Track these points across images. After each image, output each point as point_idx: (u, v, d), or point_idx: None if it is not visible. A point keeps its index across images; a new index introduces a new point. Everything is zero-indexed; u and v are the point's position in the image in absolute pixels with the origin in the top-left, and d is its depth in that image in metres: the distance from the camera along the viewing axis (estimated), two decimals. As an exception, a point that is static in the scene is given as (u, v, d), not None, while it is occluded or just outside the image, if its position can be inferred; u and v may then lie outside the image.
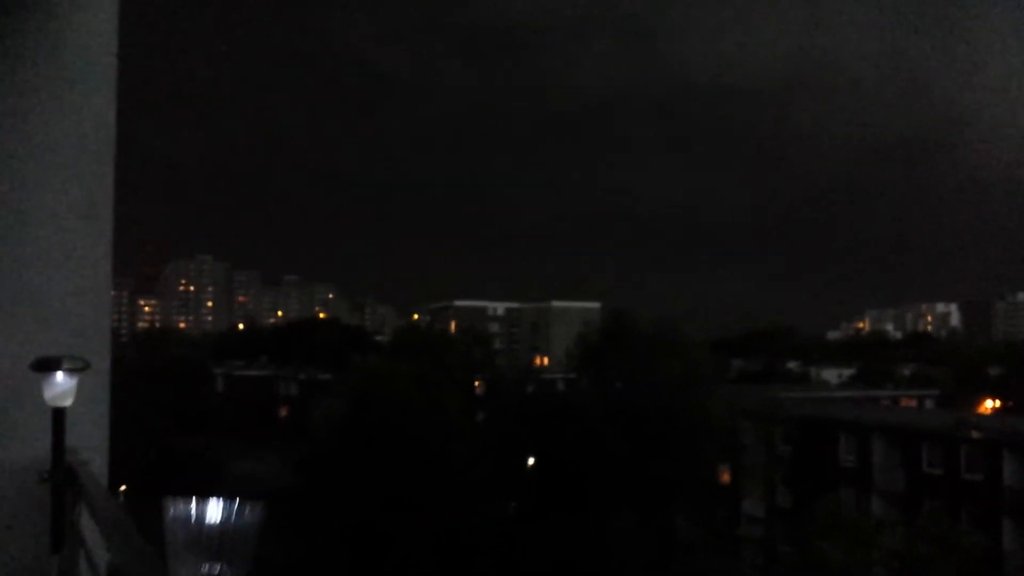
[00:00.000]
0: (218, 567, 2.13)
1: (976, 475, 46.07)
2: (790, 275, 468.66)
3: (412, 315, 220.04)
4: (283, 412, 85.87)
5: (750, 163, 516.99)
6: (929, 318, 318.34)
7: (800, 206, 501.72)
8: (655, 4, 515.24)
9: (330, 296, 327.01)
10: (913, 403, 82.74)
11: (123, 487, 45.39)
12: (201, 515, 2.15)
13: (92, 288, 5.53)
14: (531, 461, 58.59)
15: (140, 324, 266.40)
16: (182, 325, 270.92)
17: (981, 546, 35.70)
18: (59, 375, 4.48)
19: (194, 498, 2.15)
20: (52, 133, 5.45)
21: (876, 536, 36.21)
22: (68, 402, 4.51)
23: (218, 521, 2.15)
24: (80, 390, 4.59)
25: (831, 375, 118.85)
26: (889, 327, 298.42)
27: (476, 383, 73.73)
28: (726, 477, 57.77)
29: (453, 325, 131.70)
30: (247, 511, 2.19)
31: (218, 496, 2.15)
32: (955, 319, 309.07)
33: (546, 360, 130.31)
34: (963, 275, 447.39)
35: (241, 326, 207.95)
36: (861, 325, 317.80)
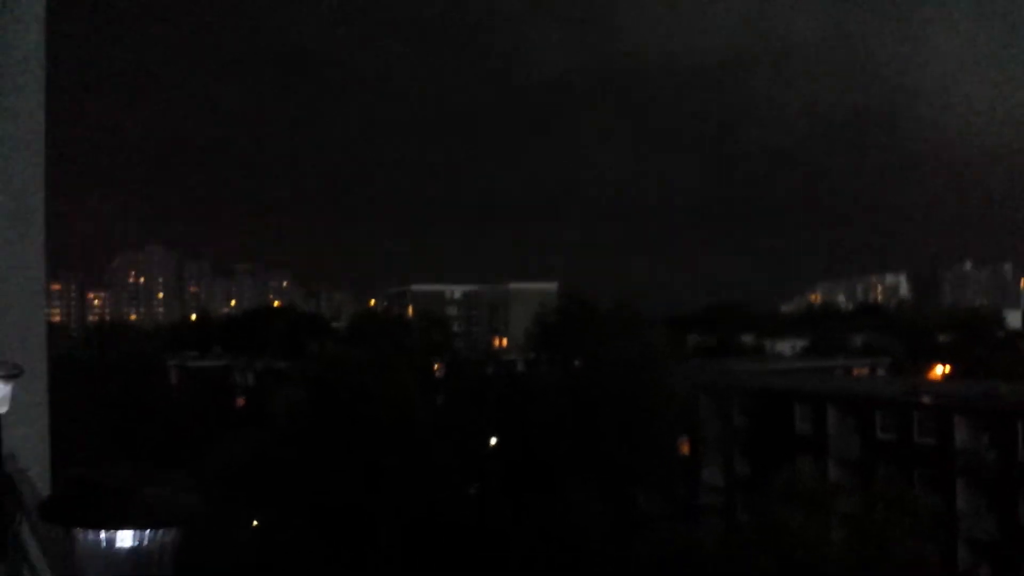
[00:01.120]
0: None
1: (928, 439, 47.09)
2: (743, 250, 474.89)
3: (369, 301, 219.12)
4: (240, 402, 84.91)
5: (701, 140, 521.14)
6: (880, 288, 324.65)
7: (751, 182, 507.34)
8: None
9: (284, 284, 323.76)
10: (865, 372, 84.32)
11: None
12: (113, 544, 2.02)
13: (24, 291, 5.37)
14: (492, 442, 58.72)
15: (90, 318, 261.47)
16: (133, 317, 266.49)
17: (935, 508, 36.54)
18: (-9, 382, 4.31)
19: (104, 527, 2.02)
20: None
21: (833, 501, 36.84)
22: (2, 409, 4.37)
23: (130, 547, 2.03)
24: (16, 396, 4.46)
25: (785, 347, 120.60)
26: (840, 298, 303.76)
27: (435, 366, 73.61)
28: (686, 449, 58.46)
29: (411, 309, 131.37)
30: (161, 536, 2.06)
31: (131, 524, 2.02)
32: (904, 289, 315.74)
33: (505, 342, 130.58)
34: (911, 246, 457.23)
35: (194, 317, 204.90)
36: (813, 297, 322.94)
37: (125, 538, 2.04)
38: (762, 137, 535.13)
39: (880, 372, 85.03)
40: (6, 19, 5.41)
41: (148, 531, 2.05)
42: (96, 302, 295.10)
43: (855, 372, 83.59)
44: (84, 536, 2.02)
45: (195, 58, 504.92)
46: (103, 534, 2.02)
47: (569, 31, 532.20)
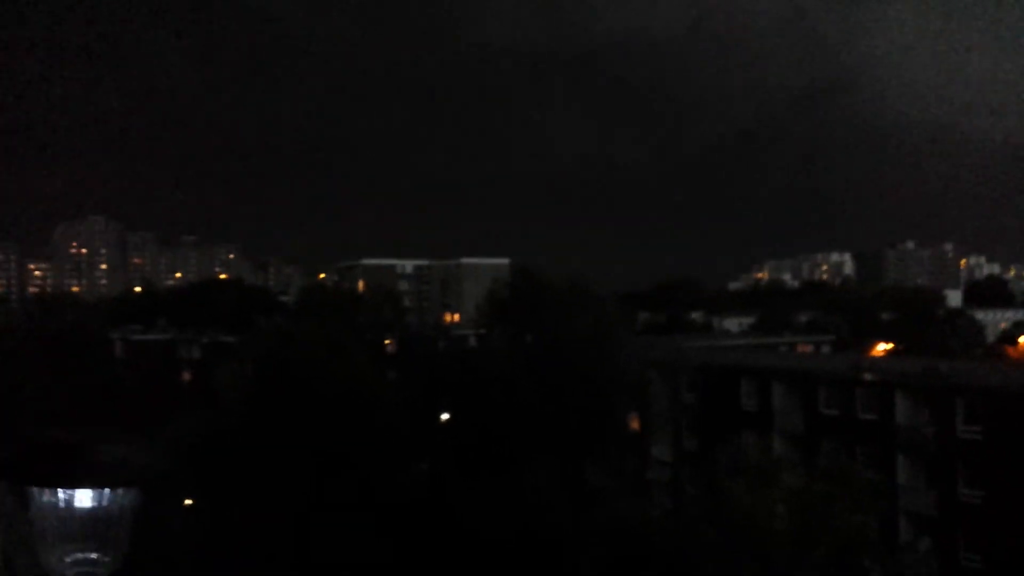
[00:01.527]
0: (91, 554, 1.89)
1: (870, 415, 48.14)
2: (692, 228, 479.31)
3: (318, 274, 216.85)
4: (186, 377, 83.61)
5: (651, 117, 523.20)
6: (825, 267, 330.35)
7: (700, 160, 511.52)
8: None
9: (231, 256, 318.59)
10: (810, 348, 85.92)
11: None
12: (70, 502, 1.90)
13: None
14: (444, 417, 58.67)
15: (31, 289, 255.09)
16: (75, 289, 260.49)
17: (876, 482, 37.37)
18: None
19: (62, 486, 1.89)
20: None
21: (777, 476, 37.45)
22: None
23: (89, 508, 1.91)
24: None
25: (732, 324, 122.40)
26: (787, 276, 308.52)
27: (387, 341, 73.26)
28: (635, 425, 59.05)
29: (361, 284, 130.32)
30: (120, 496, 1.94)
31: (89, 483, 1.89)
32: (849, 267, 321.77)
33: (457, 317, 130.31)
34: (856, 225, 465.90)
35: (138, 289, 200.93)
36: (760, 275, 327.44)
37: (84, 497, 1.93)
38: (710, 116, 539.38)
39: (824, 349, 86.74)
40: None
41: (107, 490, 1.94)
42: (37, 273, 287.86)
43: (800, 349, 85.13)
44: (41, 495, 1.92)
45: (141, 24, 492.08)
46: (61, 493, 1.92)
47: (522, 5, 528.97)
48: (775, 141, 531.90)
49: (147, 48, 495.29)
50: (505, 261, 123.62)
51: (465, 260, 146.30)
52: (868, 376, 49.95)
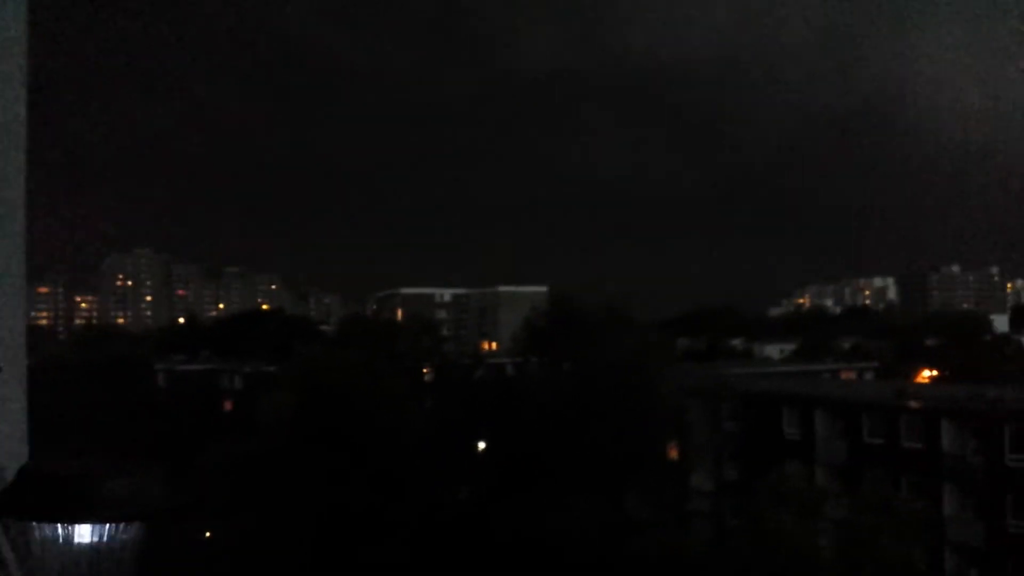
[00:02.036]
0: None
1: (916, 443, 47.14)
2: (731, 253, 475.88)
3: (358, 304, 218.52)
4: (228, 406, 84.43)
5: (689, 140, 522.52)
6: (867, 292, 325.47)
7: (738, 184, 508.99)
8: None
9: (273, 287, 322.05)
10: (853, 375, 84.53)
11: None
12: (70, 538, 1.92)
13: (3, 291, 5.26)
14: (481, 446, 58.58)
15: (77, 321, 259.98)
16: (121, 321, 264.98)
17: (922, 513, 36.56)
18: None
19: (62, 521, 1.91)
20: None
21: (821, 506, 36.82)
22: None
23: (89, 543, 1.93)
24: None
25: (773, 351, 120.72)
26: (829, 302, 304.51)
27: (424, 370, 73.32)
28: (675, 454, 58.41)
29: (400, 313, 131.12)
30: (123, 531, 1.95)
31: (90, 518, 1.91)
32: (892, 292, 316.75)
33: (494, 345, 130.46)
34: (899, 249, 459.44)
35: (182, 320, 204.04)
36: (801, 301, 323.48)
37: (84, 533, 1.92)
38: (749, 139, 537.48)
39: (868, 376, 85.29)
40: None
41: (109, 525, 1.92)
42: (83, 305, 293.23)
43: (843, 375, 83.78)
44: (41, 530, 1.91)
45: (181, 55, 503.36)
46: (60, 528, 1.91)
47: (559, 27, 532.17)
48: (816, 164, 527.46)
49: (190, 80, 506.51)
50: (542, 288, 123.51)
51: (502, 288, 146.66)
52: (913, 403, 49.01)
